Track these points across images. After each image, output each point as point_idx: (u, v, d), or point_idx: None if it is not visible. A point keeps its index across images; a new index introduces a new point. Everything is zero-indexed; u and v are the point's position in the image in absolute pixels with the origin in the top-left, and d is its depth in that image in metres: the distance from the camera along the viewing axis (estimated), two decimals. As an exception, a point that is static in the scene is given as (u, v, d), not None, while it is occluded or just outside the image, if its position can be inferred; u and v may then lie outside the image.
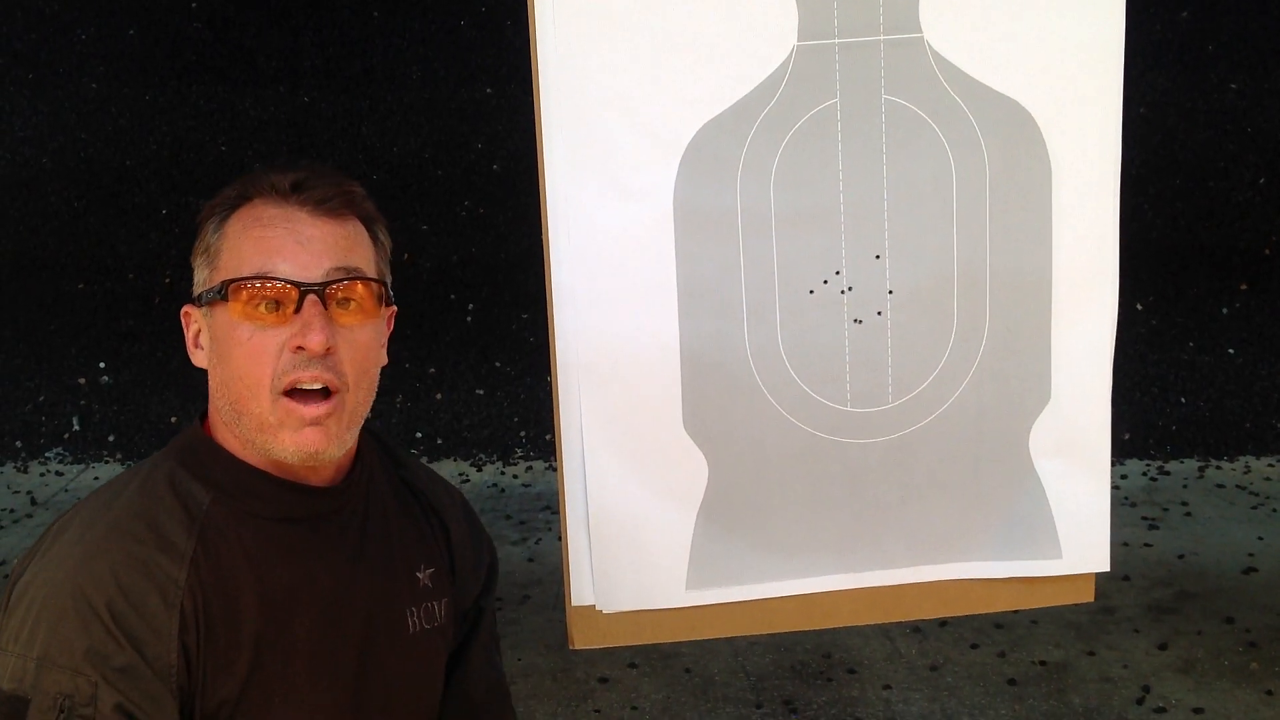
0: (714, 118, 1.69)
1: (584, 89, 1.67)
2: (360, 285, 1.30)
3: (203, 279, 1.31)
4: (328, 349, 1.26)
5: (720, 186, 1.70)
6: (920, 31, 1.70)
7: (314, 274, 1.26)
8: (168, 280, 5.95)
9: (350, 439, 1.33)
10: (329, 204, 1.29)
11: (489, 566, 1.59)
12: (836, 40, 1.69)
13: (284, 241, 1.27)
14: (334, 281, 1.27)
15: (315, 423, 1.27)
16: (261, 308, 1.26)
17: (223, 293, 1.26)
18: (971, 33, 1.70)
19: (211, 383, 1.32)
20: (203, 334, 1.32)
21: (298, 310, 1.26)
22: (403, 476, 1.50)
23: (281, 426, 1.27)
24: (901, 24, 1.69)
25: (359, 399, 1.32)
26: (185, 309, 1.35)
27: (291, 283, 1.25)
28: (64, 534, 1.26)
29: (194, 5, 5.89)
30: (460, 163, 6.00)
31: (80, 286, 6.02)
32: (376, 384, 1.35)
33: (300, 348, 1.25)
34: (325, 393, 1.28)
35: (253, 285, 1.25)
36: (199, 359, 1.34)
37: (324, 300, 1.26)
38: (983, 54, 1.71)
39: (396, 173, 5.95)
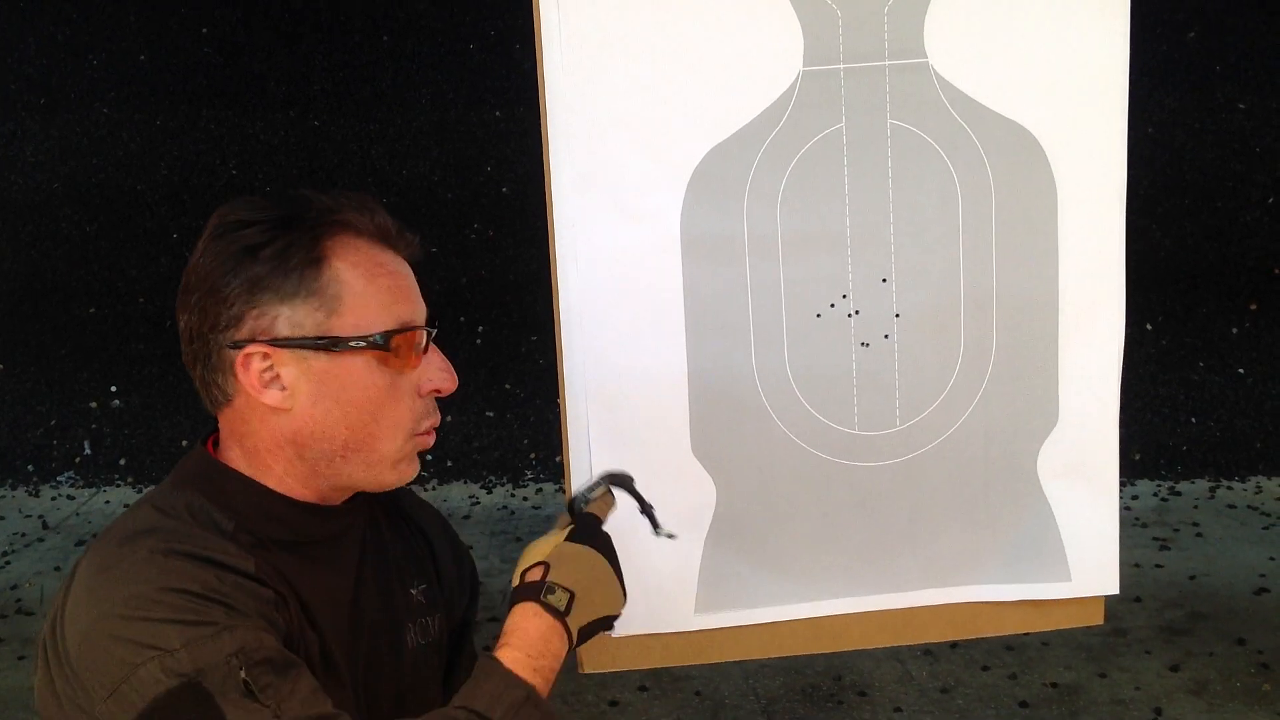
0: (720, 142, 1.69)
1: (591, 113, 1.67)
2: None
3: (316, 322, 1.26)
4: None
5: (726, 211, 1.70)
6: (925, 56, 1.71)
7: (424, 318, 1.35)
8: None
9: None
10: (412, 251, 1.38)
11: (470, 576, 1.61)
12: (842, 65, 1.70)
13: (409, 288, 1.33)
14: (433, 323, 1.36)
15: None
16: (413, 355, 1.31)
17: (385, 343, 1.28)
18: (976, 57, 1.71)
19: (290, 422, 1.28)
20: (285, 374, 1.27)
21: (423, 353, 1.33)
22: (389, 495, 1.52)
23: (406, 460, 1.34)
24: (906, 49, 1.70)
25: None
26: (263, 350, 1.26)
27: (427, 329, 1.33)
28: (107, 570, 1.19)
29: (204, 31, 5.93)
30: (469, 185, 6.02)
31: (91, 310, 6.05)
32: None
33: (437, 390, 1.33)
34: None
35: (409, 334, 1.31)
36: (272, 399, 1.27)
37: None
38: (987, 78, 1.71)
39: (406, 195, 5.97)
